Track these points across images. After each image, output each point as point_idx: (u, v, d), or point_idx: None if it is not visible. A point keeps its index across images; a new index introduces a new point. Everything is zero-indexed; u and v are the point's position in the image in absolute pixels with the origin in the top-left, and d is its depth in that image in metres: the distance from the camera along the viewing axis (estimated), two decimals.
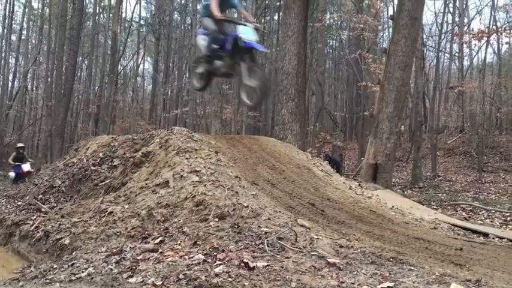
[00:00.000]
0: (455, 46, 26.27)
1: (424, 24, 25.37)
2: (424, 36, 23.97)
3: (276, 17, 31.09)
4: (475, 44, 26.17)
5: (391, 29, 19.72)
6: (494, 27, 22.97)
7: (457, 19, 25.64)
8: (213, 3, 6.37)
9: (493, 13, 25.46)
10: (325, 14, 22.96)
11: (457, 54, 26.96)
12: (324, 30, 23.89)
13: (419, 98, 21.49)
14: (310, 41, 23.72)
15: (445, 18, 25.65)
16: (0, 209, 6.87)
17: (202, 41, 6.76)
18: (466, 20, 27.52)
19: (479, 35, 18.77)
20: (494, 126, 26.95)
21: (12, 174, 13.54)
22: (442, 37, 24.46)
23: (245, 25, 6.26)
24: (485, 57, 28.94)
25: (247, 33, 6.17)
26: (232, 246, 3.36)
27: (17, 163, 13.52)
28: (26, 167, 13.42)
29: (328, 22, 26.21)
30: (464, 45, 25.92)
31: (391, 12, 23.02)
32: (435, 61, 24.83)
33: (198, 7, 27.20)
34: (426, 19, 41.46)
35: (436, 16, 27.91)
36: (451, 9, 25.42)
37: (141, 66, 38.67)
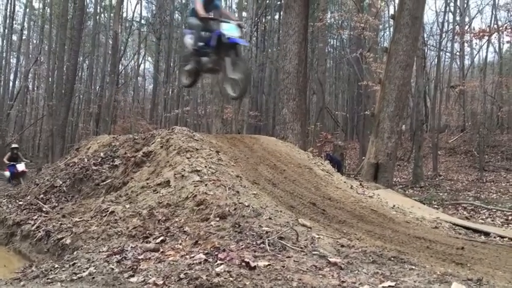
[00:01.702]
0: (456, 45, 26.29)
1: (425, 23, 25.36)
2: (425, 35, 23.94)
3: (276, 16, 31.07)
4: (476, 43, 26.25)
5: (392, 28, 19.71)
6: (495, 26, 23.00)
7: (458, 18, 25.61)
8: (198, 3, 6.62)
9: (494, 12, 25.62)
10: (326, 13, 22.96)
11: (458, 53, 26.94)
12: (325, 29, 23.85)
13: (420, 97, 21.48)
14: (311, 40, 23.74)
15: (446, 17, 25.67)
16: (1, 208, 6.87)
17: (189, 39, 7.04)
18: (467, 19, 27.51)
19: (480, 34, 18.80)
20: (496, 125, 26.91)
21: (7, 173, 13.83)
22: (443, 36, 24.46)
23: (228, 22, 6.51)
24: (486, 56, 29.01)
25: (230, 29, 6.42)
26: (233, 245, 3.35)
27: (11, 163, 13.75)
28: (21, 166, 13.69)
29: (329, 21, 26.17)
30: (466, 44, 25.94)
31: (392, 12, 23.04)
32: (436, 60, 24.81)
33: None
34: (427, 18, 41.46)
35: (437, 15, 27.92)
36: (452, 8, 25.40)
37: (142, 66, 38.78)
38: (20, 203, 6.86)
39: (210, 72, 8.12)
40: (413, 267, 3.07)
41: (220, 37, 6.43)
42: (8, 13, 28.58)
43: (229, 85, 6.73)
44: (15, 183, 13.12)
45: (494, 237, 6.04)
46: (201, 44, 6.83)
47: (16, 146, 15.67)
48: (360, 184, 8.27)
